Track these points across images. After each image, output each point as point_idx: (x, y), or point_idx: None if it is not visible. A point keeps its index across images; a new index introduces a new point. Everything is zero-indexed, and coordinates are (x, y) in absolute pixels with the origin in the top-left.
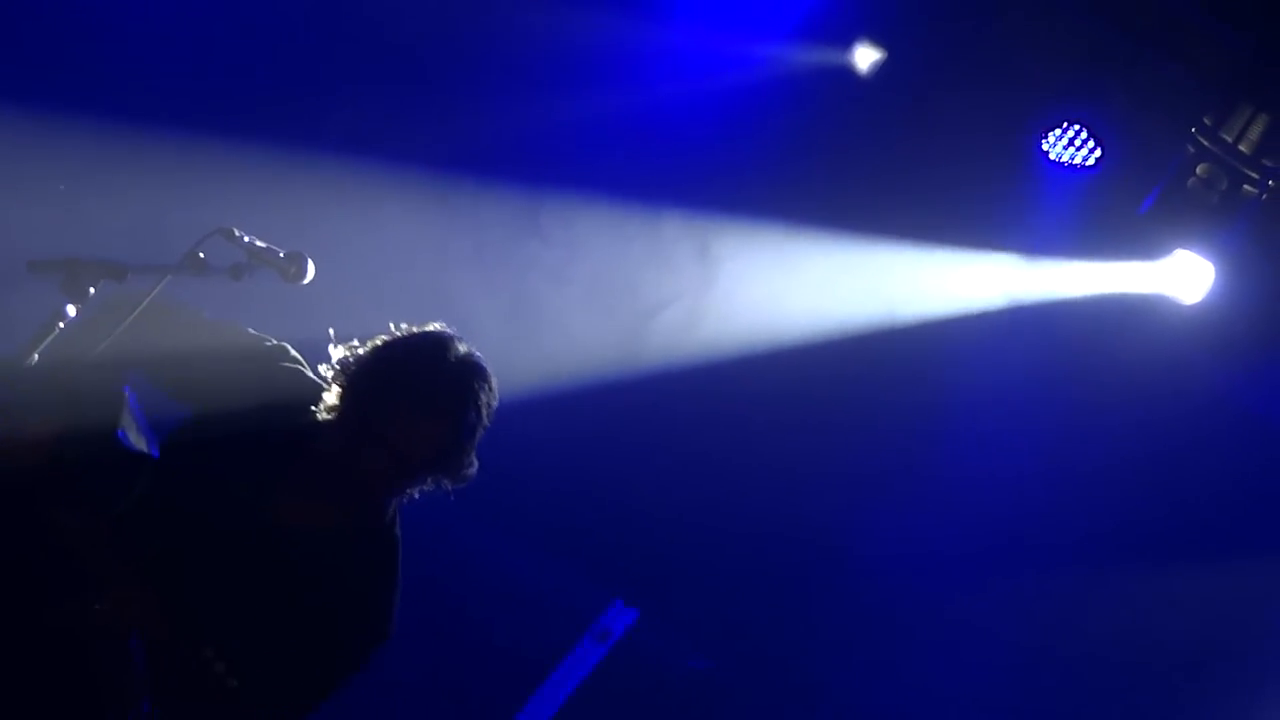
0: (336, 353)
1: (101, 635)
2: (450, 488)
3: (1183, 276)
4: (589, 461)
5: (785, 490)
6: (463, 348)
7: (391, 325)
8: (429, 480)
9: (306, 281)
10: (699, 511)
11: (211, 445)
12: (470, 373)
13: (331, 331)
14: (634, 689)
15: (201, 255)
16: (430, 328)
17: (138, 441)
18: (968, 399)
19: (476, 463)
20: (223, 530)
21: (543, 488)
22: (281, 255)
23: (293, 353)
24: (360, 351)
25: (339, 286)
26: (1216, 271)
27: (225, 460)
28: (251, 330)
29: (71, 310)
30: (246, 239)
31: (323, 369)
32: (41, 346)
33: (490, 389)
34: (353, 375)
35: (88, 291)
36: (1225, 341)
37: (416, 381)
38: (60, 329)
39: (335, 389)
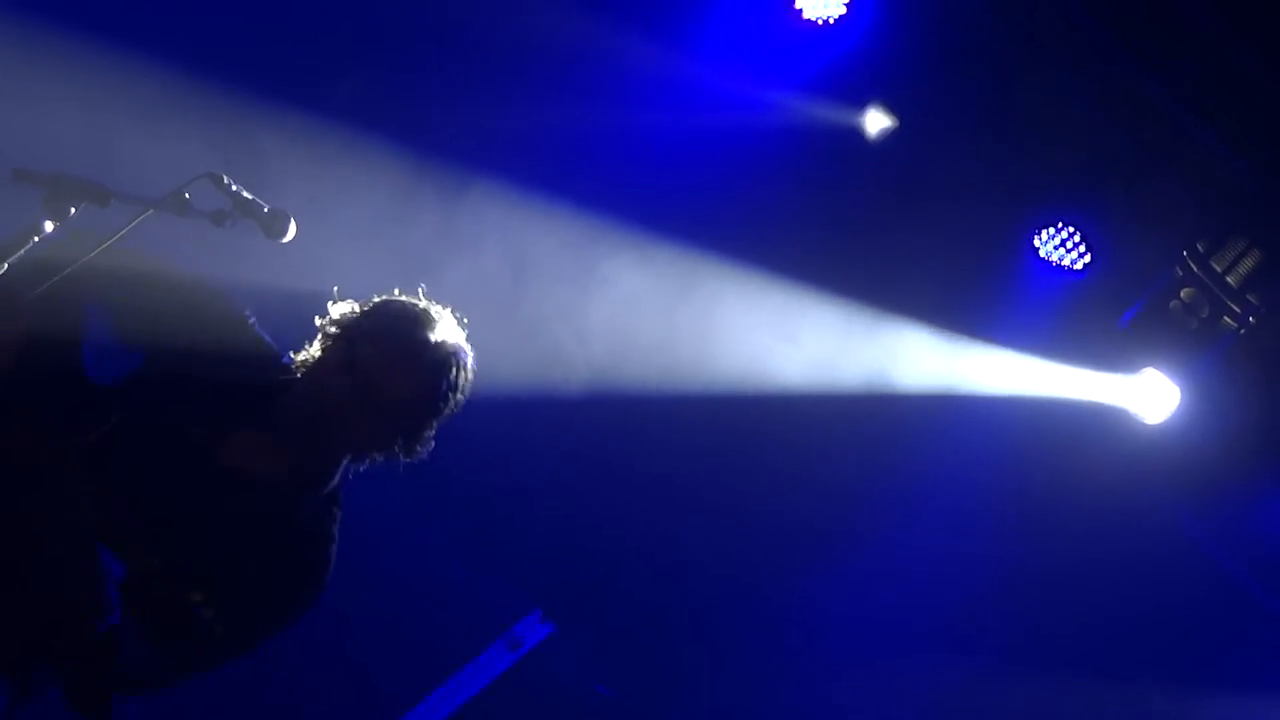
0: (336, 308)
1: (64, 542)
2: (401, 458)
3: (1149, 396)
4: (541, 468)
5: (728, 535)
6: (460, 335)
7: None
8: (384, 434)
9: (286, 240)
10: (639, 541)
11: (164, 388)
12: (459, 354)
13: (335, 289)
14: (534, 703)
15: (187, 196)
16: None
17: (103, 365)
18: (918, 476)
19: (432, 442)
20: (171, 471)
21: (484, 485)
22: (265, 210)
23: (248, 313)
24: (361, 306)
25: (307, 248)
26: (1182, 397)
27: (178, 403)
28: (208, 283)
29: (49, 226)
30: (234, 188)
31: (316, 321)
32: (11, 257)
33: (467, 380)
34: (348, 320)
35: (68, 210)
36: (1179, 467)
37: (410, 333)
38: (35, 243)
39: (325, 337)
